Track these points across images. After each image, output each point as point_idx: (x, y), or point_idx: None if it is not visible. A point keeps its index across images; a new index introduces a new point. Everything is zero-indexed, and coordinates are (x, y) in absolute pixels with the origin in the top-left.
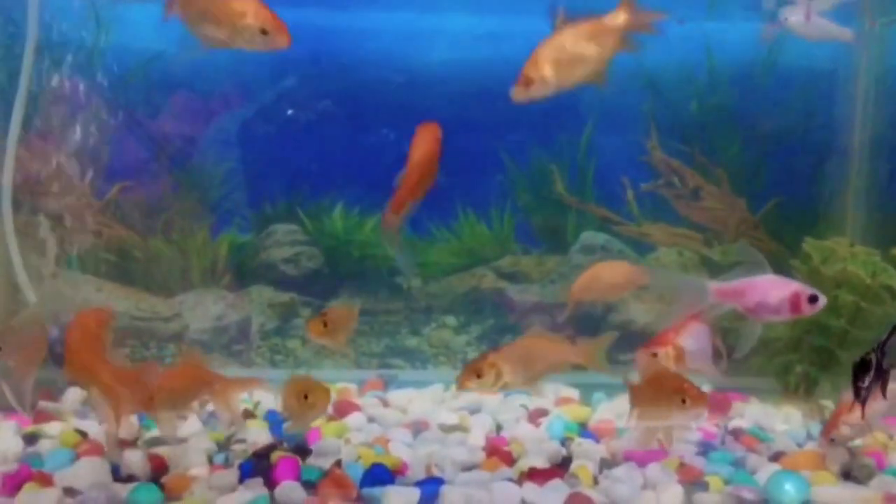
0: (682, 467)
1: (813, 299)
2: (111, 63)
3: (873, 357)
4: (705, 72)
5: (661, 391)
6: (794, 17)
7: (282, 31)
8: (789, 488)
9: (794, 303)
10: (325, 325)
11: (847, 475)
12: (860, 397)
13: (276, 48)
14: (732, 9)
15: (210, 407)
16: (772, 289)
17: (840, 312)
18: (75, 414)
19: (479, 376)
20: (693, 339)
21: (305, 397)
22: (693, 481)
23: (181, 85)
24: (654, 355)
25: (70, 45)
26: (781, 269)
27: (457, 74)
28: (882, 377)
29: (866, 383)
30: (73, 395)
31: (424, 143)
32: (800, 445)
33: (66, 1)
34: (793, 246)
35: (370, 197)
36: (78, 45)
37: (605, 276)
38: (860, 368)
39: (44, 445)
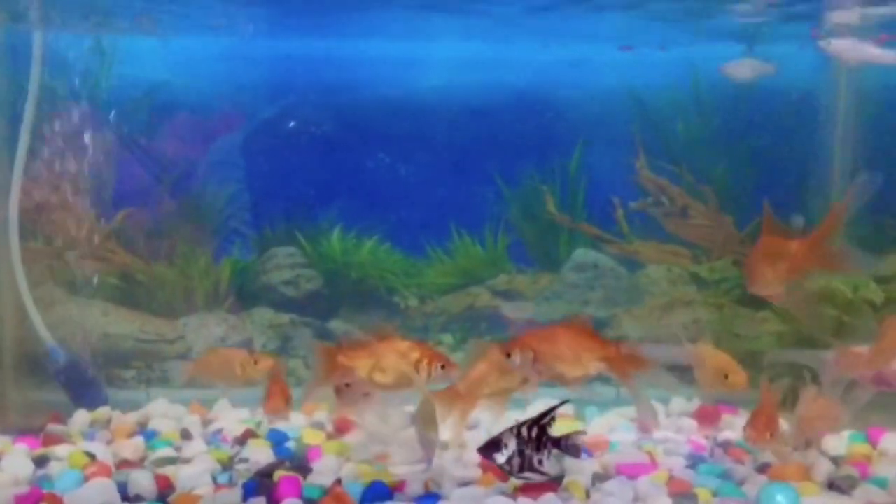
0: (672, 480)
1: None
2: (115, 93)
3: (509, 437)
4: (691, 94)
5: None
6: (839, 42)
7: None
8: (781, 500)
9: None
10: None
11: (832, 485)
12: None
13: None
14: (716, 35)
15: (214, 427)
16: None
17: (824, 326)
18: (83, 436)
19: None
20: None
21: None
22: (682, 494)
23: (182, 113)
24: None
25: (75, 77)
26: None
27: (451, 99)
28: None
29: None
30: (81, 417)
31: None
32: None
33: (71, 35)
34: None
35: (367, 220)
36: (83, 77)
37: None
38: (489, 448)
39: (54, 468)
